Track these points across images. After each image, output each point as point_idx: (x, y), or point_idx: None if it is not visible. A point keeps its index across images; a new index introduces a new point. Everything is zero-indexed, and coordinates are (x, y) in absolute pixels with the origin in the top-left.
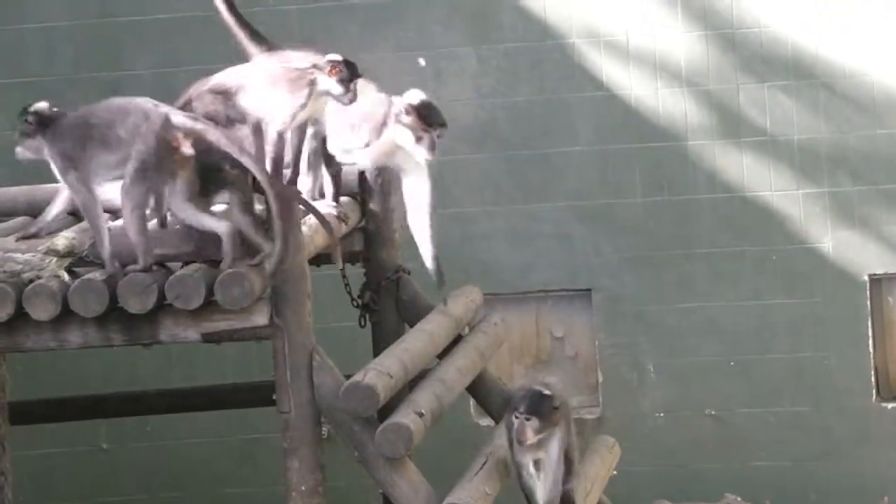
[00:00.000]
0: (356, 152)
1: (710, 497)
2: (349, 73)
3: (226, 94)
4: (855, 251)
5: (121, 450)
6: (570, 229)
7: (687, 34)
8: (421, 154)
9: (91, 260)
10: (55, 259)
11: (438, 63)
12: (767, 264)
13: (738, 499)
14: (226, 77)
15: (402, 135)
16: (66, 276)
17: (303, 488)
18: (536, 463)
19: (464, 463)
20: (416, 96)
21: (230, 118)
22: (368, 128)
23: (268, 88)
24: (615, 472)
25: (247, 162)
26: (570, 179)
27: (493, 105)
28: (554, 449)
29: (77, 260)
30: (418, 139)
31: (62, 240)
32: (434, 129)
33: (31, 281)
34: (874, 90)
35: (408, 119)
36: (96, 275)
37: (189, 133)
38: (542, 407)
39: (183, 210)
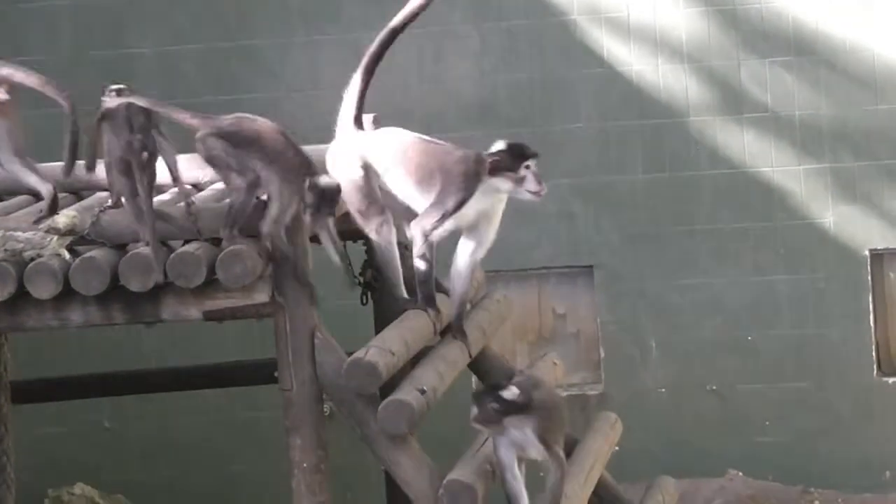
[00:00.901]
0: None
1: (713, 473)
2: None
3: (235, 142)
4: (856, 226)
5: (123, 428)
6: (571, 206)
7: (688, 10)
8: (531, 191)
9: (92, 238)
10: (56, 237)
11: (440, 41)
12: (769, 240)
13: (741, 474)
14: (241, 125)
15: (500, 185)
16: (67, 255)
17: (305, 466)
18: (520, 463)
19: (466, 440)
20: (501, 143)
21: (229, 167)
22: (452, 190)
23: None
24: (617, 448)
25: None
26: (571, 156)
27: (495, 82)
28: (534, 448)
29: (78, 238)
30: (519, 181)
31: (63, 218)
32: (532, 161)
33: (32, 259)
34: (875, 65)
35: (501, 164)
36: (97, 253)
37: (3, 79)
38: (481, 401)
39: (9, 163)
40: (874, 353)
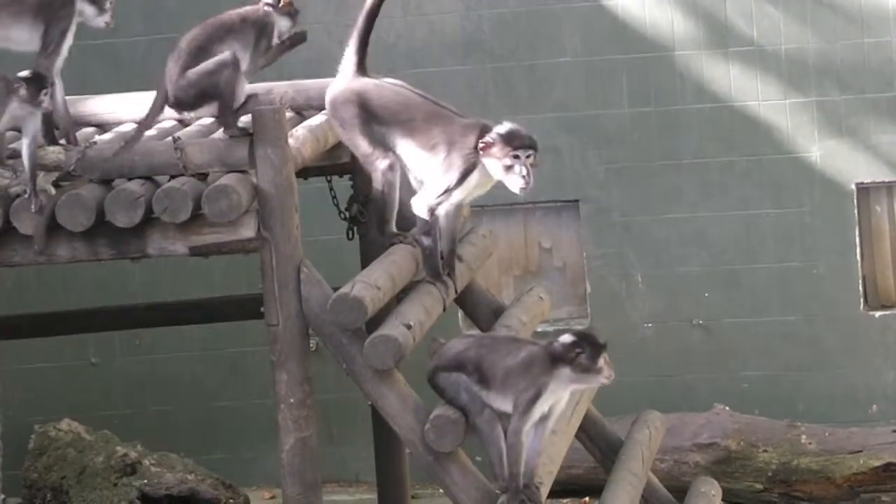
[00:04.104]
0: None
1: (699, 407)
2: None
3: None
4: (842, 160)
5: (110, 364)
6: (557, 141)
7: None
8: (514, 184)
9: (79, 174)
10: (42, 173)
11: None
12: (755, 174)
13: (727, 408)
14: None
15: (491, 166)
16: (52, 191)
17: (291, 400)
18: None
19: None
20: (503, 126)
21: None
22: (456, 163)
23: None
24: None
25: None
26: (556, 91)
27: (479, 17)
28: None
29: (64, 174)
30: (507, 168)
31: (50, 154)
32: (523, 152)
33: (18, 195)
34: None
35: (493, 148)
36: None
37: None
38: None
39: None
40: (860, 287)
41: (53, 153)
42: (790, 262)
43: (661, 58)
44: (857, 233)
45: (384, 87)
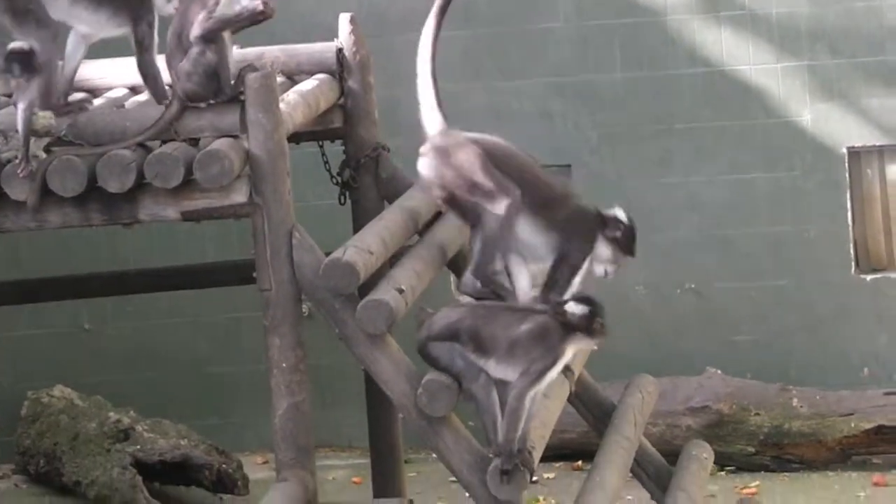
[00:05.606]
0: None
1: (692, 372)
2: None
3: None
4: (834, 124)
5: (102, 330)
6: (549, 106)
7: None
8: (600, 271)
9: (70, 140)
10: (33, 139)
11: None
12: (747, 139)
13: (719, 372)
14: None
15: (602, 250)
16: (43, 156)
17: (284, 365)
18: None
19: None
20: (626, 216)
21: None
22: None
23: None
24: (595, 348)
25: None
26: (549, 55)
27: None
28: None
29: (55, 140)
30: (610, 263)
31: (40, 119)
32: (628, 258)
33: (9, 161)
34: None
35: (615, 239)
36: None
37: None
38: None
39: None
40: (852, 251)
41: (44, 118)
42: (782, 227)
43: (654, 23)
44: (848, 197)
45: (494, 144)
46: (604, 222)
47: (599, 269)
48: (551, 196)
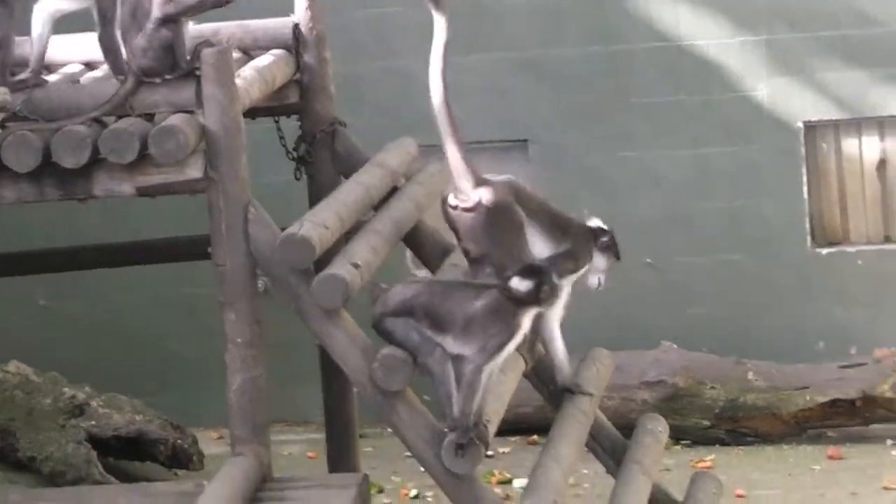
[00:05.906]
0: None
1: (647, 345)
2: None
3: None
4: (790, 99)
5: (58, 306)
6: (505, 80)
7: None
8: (594, 283)
9: (24, 115)
10: None
11: None
12: (704, 113)
13: (675, 346)
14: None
15: (600, 260)
16: None
17: (239, 340)
18: None
19: None
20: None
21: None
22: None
23: None
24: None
25: None
26: (505, 29)
27: None
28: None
29: (10, 115)
30: (604, 272)
31: None
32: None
33: None
34: None
35: (608, 247)
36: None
37: None
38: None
39: None
40: (808, 225)
41: None
42: (738, 201)
43: None
44: (804, 171)
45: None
46: (594, 234)
47: (594, 280)
48: (561, 221)
